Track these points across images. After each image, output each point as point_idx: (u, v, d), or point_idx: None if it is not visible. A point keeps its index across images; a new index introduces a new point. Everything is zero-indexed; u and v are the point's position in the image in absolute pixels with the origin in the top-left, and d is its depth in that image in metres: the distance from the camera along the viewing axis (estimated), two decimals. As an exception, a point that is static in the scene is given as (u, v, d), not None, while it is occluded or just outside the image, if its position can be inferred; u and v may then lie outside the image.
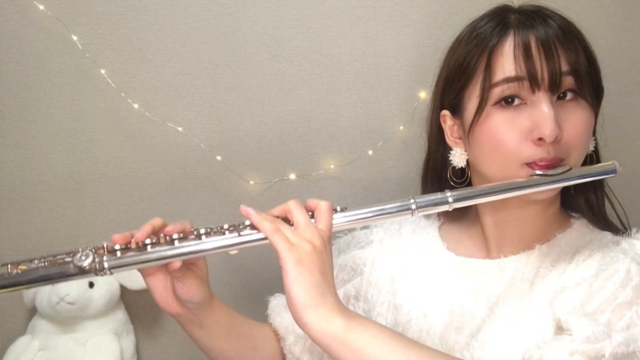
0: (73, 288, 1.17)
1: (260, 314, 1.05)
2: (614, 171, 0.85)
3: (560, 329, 0.77)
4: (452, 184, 0.94)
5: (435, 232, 1.00)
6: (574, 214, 0.93)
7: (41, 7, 1.20)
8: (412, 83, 1.24)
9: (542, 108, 0.81)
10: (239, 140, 1.26)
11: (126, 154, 1.26)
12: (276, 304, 1.03)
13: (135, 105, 1.23)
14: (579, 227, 0.90)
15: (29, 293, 1.23)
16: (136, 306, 1.28)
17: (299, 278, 0.73)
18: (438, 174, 0.97)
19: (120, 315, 1.25)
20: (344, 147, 1.27)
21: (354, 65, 1.25)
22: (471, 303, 0.89)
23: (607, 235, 0.88)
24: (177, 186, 1.27)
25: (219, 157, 1.25)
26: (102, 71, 1.22)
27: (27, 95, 1.23)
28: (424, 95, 1.22)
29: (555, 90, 0.82)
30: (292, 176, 1.27)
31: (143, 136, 1.25)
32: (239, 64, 1.24)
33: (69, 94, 1.24)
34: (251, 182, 1.27)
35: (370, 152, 1.26)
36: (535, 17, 0.85)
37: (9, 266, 0.76)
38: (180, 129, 1.24)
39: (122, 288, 1.24)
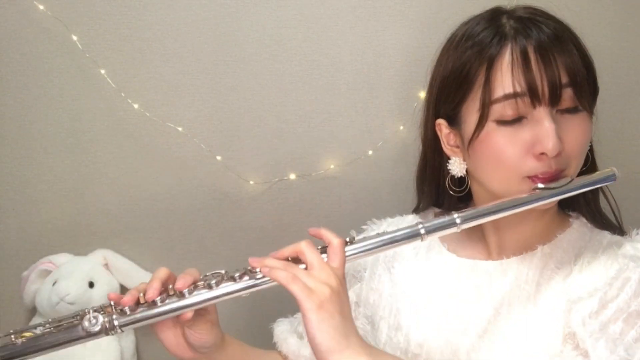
0: (73, 288, 1.17)
1: (262, 323, 1.05)
2: (613, 178, 0.85)
3: (571, 338, 0.78)
4: (451, 192, 0.94)
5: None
6: (571, 213, 0.93)
7: (41, 7, 1.20)
8: (412, 83, 1.24)
9: (543, 123, 0.81)
10: (239, 140, 1.26)
11: (126, 154, 1.26)
12: (281, 330, 1.03)
13: (135, 105, 1.23)
14: (578, 227, 0.91)
15: (29, 293, 1.23)
16: (136, 306, 1.28)
17: (321, 324, 0.72)
18: (436, 182, 0.97)
19: (120, 315, 1.25)
20: (344, 147, 1.27)
21: (354, 65, 1.25)
22: (475, 304, 0.89)
23: (607, 235, 0.88)
24: (177, 186, 1.27)
25: (219, 157, 1.25)
26: (102, 71, 1.22)
27: (27, 95, 1.23)
28: (424, 95, 1.22)
29: (556, 103, 0.82)
30: (292, 176, 1.27)
31: (143, 136, 1.25)
32: (239, 64, 1.24)
33: (69, 94, 1.24)
34: (251, 182, 1.27)
35: (370, 152, 1.26)
36: (530, 24, 0.83)
37: (13, 336, 0.74)
38: (180, 129, 1.24)
39: (122, 288, 1.24)
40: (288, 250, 0.80)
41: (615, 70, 1.24)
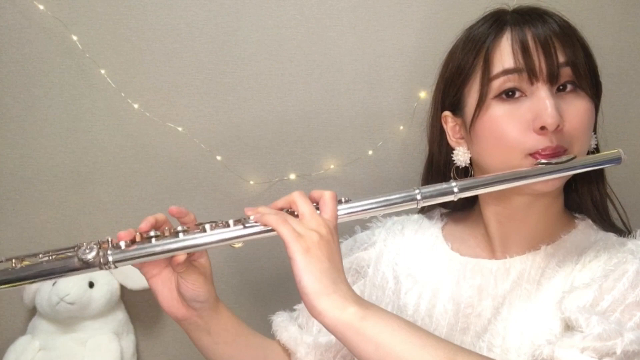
0: (73, 288, 1.17)
1: (263, 315, 1.05)
2: (618, 159, 0.85)
3: (568, 328, 0.77)
4: None
5: (439, 233, 0.99)
6: (577, 215, 0.93)
7: (41, 7, 1.20)
8: (412, 83, 1.24)
9: (542, 98, 0.82)
10: (239, 140, 1.26)
11: (126, 154, 1.26)
12: (280, 320, 1.02)
13: (135, 105, 1.23)
14: (584, 228, 0.90)
15: (29, 293, 1.23)
16: (136, 306, 1.28)
17: (308, 266, 0.71)
18: (442, 176, 0.97)
19: (120, 315, 1.25)
20: (344, 147, 1.27)
21: (354, 65, 1.25)
22: (477, 303, 0.89)
23: (612, 237, 0.88)
24: (177, 186, 1.27)
25: (219, 157, 1.25)
26: (102, 71, 1.22)
27: (27, 95, 1.23)
28: (424, 95, 1.22)
29: (554, 81, 0.83)
30: (292, 176, 1.27)
31: (143, 136, 1.25)
32: (239, 64, 1.24)
33: (69, 94, 1.24)
34: (251, 182, 1.27)
35: (370, 152, 1.26)
36: (531, 14, 0.86)
37: (14, 261, 0.75)
38: (180, 129, 1.24)
39: (122, 288, 1.24)
40: (281, 202, 0.81)
41: (616, 70, 1.24)
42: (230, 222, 0.78)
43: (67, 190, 1.26)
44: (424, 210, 1.04)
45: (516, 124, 0.83)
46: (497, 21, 0.87)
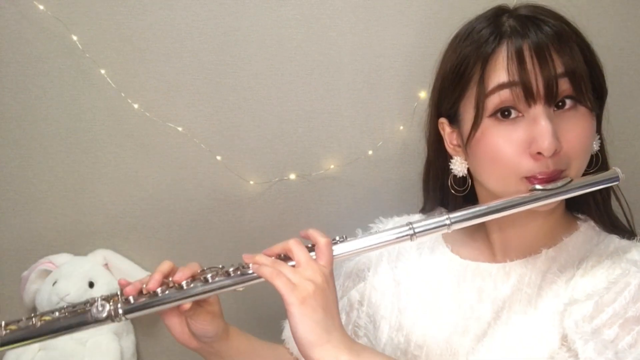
0: (73, 288, 1.17)
1: (270, 328, 1.06)
2: (616, 179, 0.83)
3: (565, 341, 0.77)
4: (453, 192, 0.93)
5: (439, 236, 0.99)
6: (580, 216, 0.92)
7: (41, 7, 1.20)
8: (412, 83, 1.24)
9: (539, 122, 0.79)
10: (239, 140, 1.26)
11: (126, 154, 1.26)
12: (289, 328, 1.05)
13: (135, 105, 1.23)
14: (586, 230, 0.89)
15: (29, 293, 1.23)
16: (136, 306, 1.28)
17: (303, 318, 0.74)
18: (440, 182, 0.97)
19: (120, 315, 1.24)
20: (344, 147, 1.27)
21: (354, 65, 1.25)
22: (476, 306, 0.89)
23: (614, 240, 0.87)
24: (177, 186, 1.27)
25: (219, 157, 1.25)
26: (102, 71, 1.22)
27: (27, 95, 1.23)
28: (424, 95, 1.22)
29: (552, 99, 0.80)
30: (292, 176, 1.27)
31: (143, 136, 1.25)
32: (239, 64, 1.24)
33: (69, 94, 1.24)
34: (251, 182, 1.27)
35: (370, 152, 1.26)
36: (529, 23, 0.83)
37: (33, 318, 0.82)
38: (180, 129, 1.24)
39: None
40: (278, 248, 0.83)
41: (616, 70, 1.24)
42: (230, 270, 0.83)
43: (66, 190, 1.26)
44: (426, 211, 1.03)
45: (512, 147, 0.81)
46: (496, 30, 0.84)
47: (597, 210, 0.90)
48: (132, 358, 1.25)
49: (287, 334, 1.05)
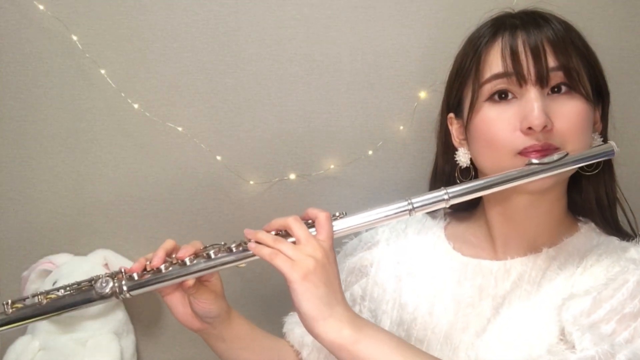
0: (73, 288, 1.17)
1: (273, 322, 1.07)
2: (612, 153, 0.85)
3: (563, 335, 0.78)
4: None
5: (441, 232, 1.00)
6: (581, 219, 0.94)
7: (41, 7, 1.20)
8: (412, 83, 1.24)
9: (529, 99, 0.83)
10: (239, 140, 1.26)
11: (126, 154, 1.26)
12: (290, 321, 1.07)
13: (135, 105, 1.23)
14: (587, 231, 0.91)
15: (29, 293, 1.22)
16: (136, 306, 1.28)
17: (305, 293, 0.76)
18: (447, 176, 0.99)
19: (120, 315, 1.25)
20: (344, 147, 1.27)
21: (354, 65, 1.25)
22: (477, 303, 0.90)
23: (614, 240, 0.88)
24: (177, 186, 1.27)
25: (219, 157, 1.25)
26: (102, 71, 1.22)
27: (27, 95, 1.23)
28: (424, 95, 1.22)
29: (544, 84, 0.84)
30: (292, 176, 1.27)
31: (143, 136, 1.25)
32: (239, 64, 1.24)
33: (69, 94, 1.24)
34: (251, 182, 1.27)
35: (370, 152, 1.26)
36: (529, 20, 0.87)
37: (39, 297, 0.83)
38: (180, 129, 1.24)
39: (122, 288, 1.24)
40: (277, 224, 0.84)
41: (616, 70, 1.24)
42: (232, 247, 0.84)
43: (66, 190, 1.26)
44: None
45: (505, 125, 0.85)
46: (493, 26, 0.89)
47: (600, 212, 0.92)
48: (132, 358, 1.25)
49: (288, 327, 1.06)
